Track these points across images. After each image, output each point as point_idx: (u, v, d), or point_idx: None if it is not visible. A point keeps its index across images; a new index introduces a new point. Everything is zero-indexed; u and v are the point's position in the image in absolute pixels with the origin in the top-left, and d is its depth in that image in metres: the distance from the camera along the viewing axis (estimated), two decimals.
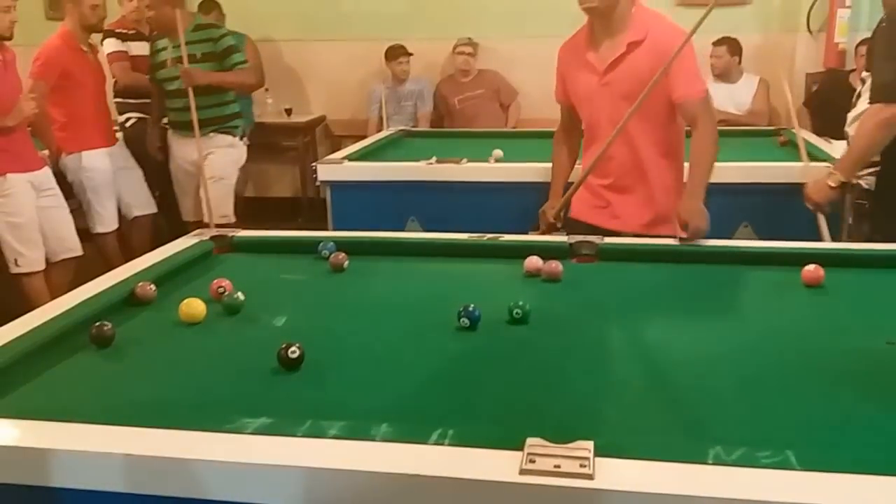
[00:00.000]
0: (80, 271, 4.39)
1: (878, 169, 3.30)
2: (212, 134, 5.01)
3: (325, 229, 3.94)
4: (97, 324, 1.94)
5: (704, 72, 5.99)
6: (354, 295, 2.29)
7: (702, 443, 1.38)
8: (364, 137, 6.88)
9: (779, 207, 3.65)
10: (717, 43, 6.12)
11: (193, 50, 4.81)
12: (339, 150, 7.49)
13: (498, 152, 4.25)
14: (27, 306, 4.08)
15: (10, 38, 4.24)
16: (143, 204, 5.45)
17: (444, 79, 7.02)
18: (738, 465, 1.31)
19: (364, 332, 2.05)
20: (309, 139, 7.40)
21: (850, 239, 3.60)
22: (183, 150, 5.13)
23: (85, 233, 4.99)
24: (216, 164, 5.03)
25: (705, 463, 1.32)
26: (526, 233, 3.04)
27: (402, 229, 3.84)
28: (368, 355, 1.90)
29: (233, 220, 5.02)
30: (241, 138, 5.32)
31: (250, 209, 6.69)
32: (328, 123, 7.47)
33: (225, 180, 5.12)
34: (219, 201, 4.93)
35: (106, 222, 5.18)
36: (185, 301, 2.08)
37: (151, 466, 1.40)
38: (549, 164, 3.35)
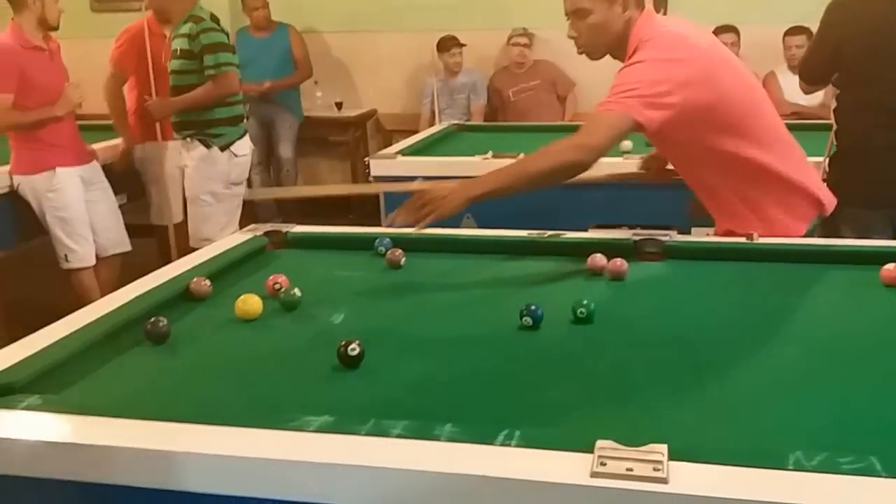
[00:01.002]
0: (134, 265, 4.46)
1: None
2: (188, 139, 4.62)
3: (378, 225, 3.94)
4: (152, 319, 1.96)
5: (779, 62, 6.01)
6: (412, 292, 2.30)
7: (780, 448, 1.36)
8: (416, 132, 6.92)
9: None
10: (791, 32, 5.98)
11: (177, 44, 4.52)
12: (390, 144, 7.54)
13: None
14: (77, 302, 4.17)
15: (56, 29, 4.31)
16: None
17: (499, 71, 7.02)
18: (820, 471, 1.29)
19: (423, 329, 2.06)
20: (360, 133, 7.42)
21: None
22: (179, 156, 4.88)
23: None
24: (189, 179, 4.68)
25: (784, 468, 1.31)
26: (585, 230, 3.01)
27: (457, 226, 3.83)
28: (428, 353, 1.91)
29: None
30: (226, 148, 4.59)
31: (301, 205, 6.73)
32: (379, 117, 7.49)
33: (201, 199, 4.63)
34: (196, 224, 4.68)
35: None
36: (242, 297, 2.10)
37: (213, 465, 1.41)
38: (614, 160, 3.32)
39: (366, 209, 7.29)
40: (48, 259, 4.45)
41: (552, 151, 2.44)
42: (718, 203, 2.76)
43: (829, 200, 2.71)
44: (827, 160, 3.54)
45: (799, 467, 1.30)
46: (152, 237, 5.32)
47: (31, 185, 4.31)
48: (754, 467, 1.30)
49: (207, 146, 4.56)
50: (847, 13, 3.46)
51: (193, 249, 4.62)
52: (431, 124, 6.70)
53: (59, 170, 4.29)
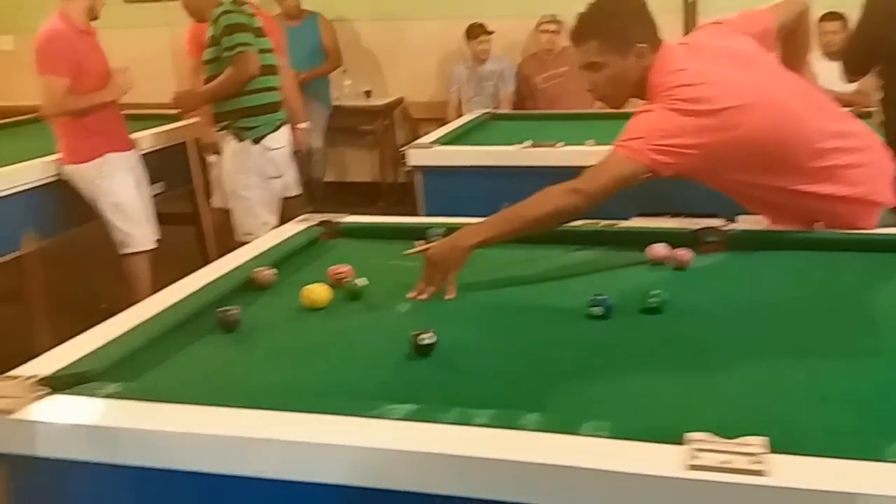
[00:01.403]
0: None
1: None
2: (223, 133, 4.54)
3: (408, 214, 3.92)
4: (223, 308, 1.97)
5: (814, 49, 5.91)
6: (471, 282, 2.29)
7: (881, 439, 1.35)
8: (444, 120, 6.91)
9: None
10: (826, 18, 5.86)
11: (207, 33, 4.42)
12: (418, 133, 7.57)
13: None
14: (127, 290, 4.22)
15: (97, 18, 4.31)
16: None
17: (527, 58, 6.99)
18: None
19: (490, 319, 2.06)
20: (388, 122, 7.42)
21: None
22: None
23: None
24: (226, 173, 4.61)
25: (887, 461, 1.29)
26: (627, 219, 2.99)
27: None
28: (499, 343, 1.91)
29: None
30: (258, 141, 4.48)
31: (330, 193, 6.75)
32: (406, 106, 7.49)
33: (239, 194, 4.55)
34: (238, 218, 4.60)
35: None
36: (308, 287, 2.11)
37: (298, 452, 1.42)
38: None
39: (394, 197, 7.33)
40: (94, 247, 4.50)
41: (548, 196, 2.38)
42: (771, 213, 2.71)
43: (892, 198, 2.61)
44: None
45: None
46: (187, 225, 5.34)
47: (81, 175, 4.30)
48: (857, 459, 1.29)
49: (240, 139, 4.47)
50: (887, 7, 3.44)
51: (235, 242, 4.69)
52: (459, 113, 6.70)
53: (108, 156, 4.30)
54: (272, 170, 4.58)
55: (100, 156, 4.28)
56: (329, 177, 7.30)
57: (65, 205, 4.37)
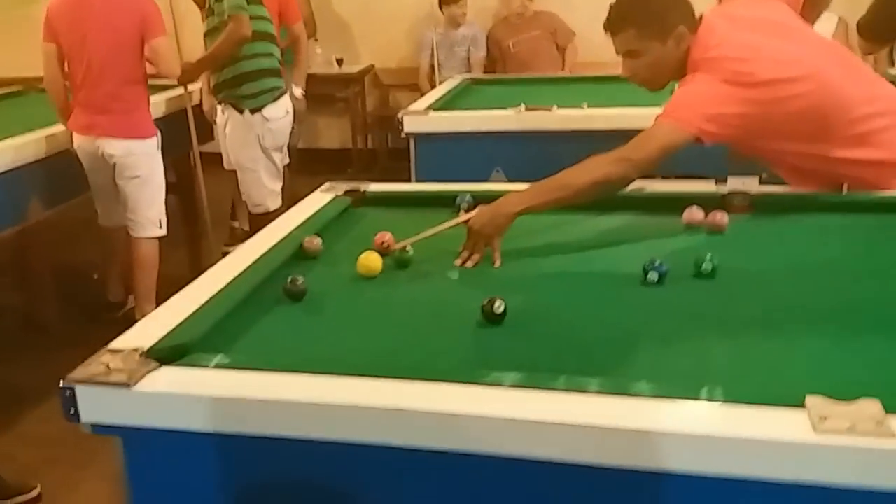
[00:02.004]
0: None
1: None
2: (223, 105, 4.59)
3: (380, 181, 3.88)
4: (291, 278, 1.96)
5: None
6: (511, 248, 2.25)
7: None
8: (415, 86, 6.88)
9: None
10: None
11: (207, 3, 4.50)
12: (388, 100, 7.54)
13: None
14: (144, 270, 4.23)
15: None
16: None
17: (498, 22, 6.97)
18: None
19: (542, 286, 2.05)
20: (359, 89, 7.36)
21: None
22: (218, 119, 4.80)
23: None
24: (230, 147, 4.65)
25: None
26: None
27: (486, 180, 3.80)
28: (562, 310, 1.90)
29: (270, 209, 4.60)
30: (257, 111, 4.49)
31: (301, 160, 6.68)
32: (377, 72, 7.42)
33: (244, 166, 4.61)
34: (246, 190, 4.70)
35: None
36: (364, 254, 2.10)
37: (425, 421, 1.41)
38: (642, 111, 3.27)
39: (363, 163, 7.29)
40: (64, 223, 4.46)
41: (594, 165, 2.34)
42: (799, 177, 2.69)
43: None
44: None
45: None
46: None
47: (144, 150, 4.19)
48: None
49: (240, 110, 4.48)
50: None
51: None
52: (430, 79, 6.67)
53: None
54: (272, 141, 4.57)
55: (157, 133, 4.23)
56: (300, 144, 7.22)
57: (61, 179, 4.27)
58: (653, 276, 1.99)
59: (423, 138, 4.11)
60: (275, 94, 4.54)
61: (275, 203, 4.66)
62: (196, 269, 2.01)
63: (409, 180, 3.89)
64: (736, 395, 1.38)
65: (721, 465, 1.31)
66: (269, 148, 4.58)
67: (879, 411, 1.31)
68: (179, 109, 4.94)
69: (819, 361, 1.61)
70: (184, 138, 4.89)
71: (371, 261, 2.08)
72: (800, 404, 1.34)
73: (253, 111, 4.48)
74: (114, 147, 4.10)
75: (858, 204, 2.50)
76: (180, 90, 4.83)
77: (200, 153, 4.97)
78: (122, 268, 4.51)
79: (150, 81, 4.33)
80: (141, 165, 4.17)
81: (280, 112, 4.59)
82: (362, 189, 2.72)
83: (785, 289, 1.97)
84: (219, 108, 4.70)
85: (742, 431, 1.30)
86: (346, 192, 2.69)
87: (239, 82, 4.45)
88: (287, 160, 4.87)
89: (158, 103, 4.80)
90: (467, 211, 2.50)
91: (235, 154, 4.60)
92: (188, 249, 5.51)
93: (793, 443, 1.28)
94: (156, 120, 4.40)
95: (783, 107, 2.40)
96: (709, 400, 1.38)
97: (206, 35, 4.50)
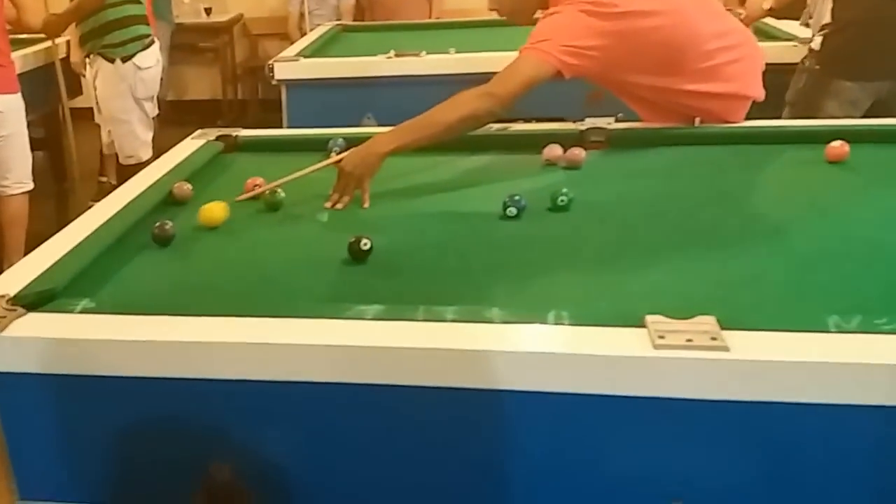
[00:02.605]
0: None
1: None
2: (91, 57, 4.48)
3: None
4: (159, 223, 1.96)
5: None
6: (379, 189, 2.29)
7: (817, 314, 1.45)
8: (285, 35, 6.82)
9: None
10: None
11: None
12: (257, 49, 7.45)
13: None
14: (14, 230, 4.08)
15: None
16: None
17: None
18: (863, 332, 1.38)
19: (408, 224, 2.09)
20: (227, 39, 7.25)
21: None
22: (89, 74, 4.65)
23: None
24: (100, 99, 4.56)
25: (828, 332, 1.39)
26: None
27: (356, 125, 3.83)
28: (426, 246, 1.95)
29: (143, 159, 4.51)
30: (128, 59, 4.43)
31: (171, 113, 6.58)
32: (245, 22, 7.32)
33: (118, 118, 4.53)
34: (119, 142, 4.59)
35: None
36: (205, 206, 2.08)
37: (290, 354, 1.44)
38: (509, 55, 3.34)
39: (234, 114, 7.22)
40: None
41: (461, 102, 2.39)
42: (653, 112, 2.76)
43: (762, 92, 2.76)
44: (820, 36, 3.64)
45: (841, 330, 1.40)
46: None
47: (16, 103, 4.09)
48: (801, 332, 1.39)
49: (110, 60, 4.40)
50: None
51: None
52: (300, 27, 6.62)
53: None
54: (144, 91, 4.51)
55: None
56: (169, 95, 7.11)
57: None
58: (511, 210, 2.06)
59: (295, 86, 4.10)
60: (144, 42, 4.47)
61: (146, 154, 4.59)
62: (64, 225, 1.99)
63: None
64: (581, 317, 1.45)
65: (565, 383, 1.38)
66: (141, 98, 4.52)
67: (714, 326, 1.40)
68: (47, 63, 4.84)
69: (661, 284, 1.69)
70: (52, 93, 4.80)
71: (213, 211, 2.06)
72: (641, 324, 1.42)
73: (124, 60, 4.40)
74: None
75: (708, 136, 2.61)
76: (47, 44, 4.72)
77: (70, 108, 4.87)
78: None
79: (15, 36, 4.22)
80: (14, 121, 4.09)
81: (151, 60, 4.53)
82: (234, 135, 2.72)
83: (633, 219, 2.05)
84: (87, 60, 4.59)
85: (584, 349, 1.38)
86: (218, 138, 2.69)
87: (105, 31, 4.36)
88: (157, 111, 4.79)
89: (25, 56, 4.70)
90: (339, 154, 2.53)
91: (107, 106, 4.53)
92: (56, 205, 5.38)
93: (632, 357, 1.36)
94: (22, 74, 4.30)
95: (641, 39, 2.48)
96: (556, 323, 1.45)
97: None
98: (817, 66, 3.57)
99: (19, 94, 4.09)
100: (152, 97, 4.63)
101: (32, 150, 4.31)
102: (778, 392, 1.34)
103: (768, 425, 1.37)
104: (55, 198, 5.40)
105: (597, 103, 2.92)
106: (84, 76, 4.81)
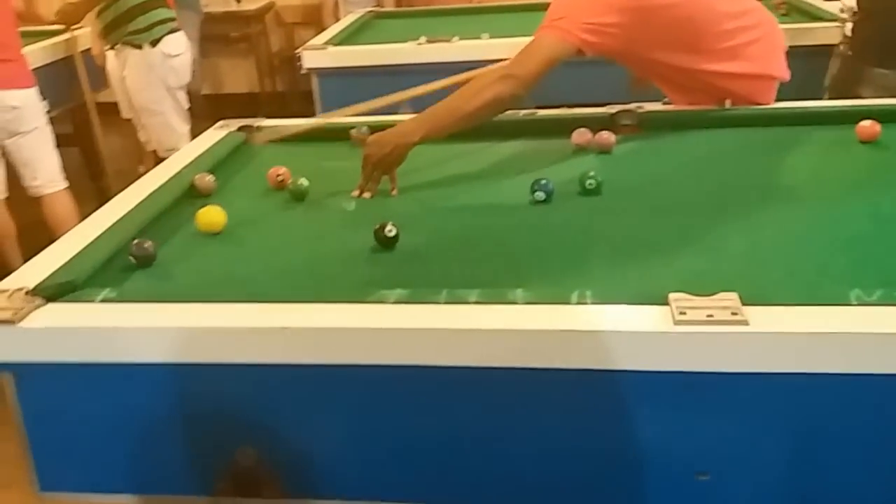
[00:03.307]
0: None
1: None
2: (119, 46, 4.48)
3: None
4: (136, 241, 1.86)
5: None
6: (406, 177, 2.34)
7: (839, 288, 1.49)
8: (319, 23, 6.85)
9: None
10: None
11: None
12: (293, 39, 7.50)
13: None
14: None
15: None
16: None
17: None
18: (884, 304, 1.43)
19: (437, 213, 2.12)
20: (260, 28, 7.31)
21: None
22: (111, 65, 4.72)
23: None
24: (132, 91, 4.56)
25: (850, 304, 1.44)
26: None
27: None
28: (454, 233, 1.99)
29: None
30: (156, 43, 4.46)
31: (208, 107, 6.64)
32: (278, 10, 7.37)
33: (152, 109, 4.55)
34: (158, 136, 4.62)
35: None
36: (203, 210, 2.05)
37: (320, 338, 1.50)
38: None
39: (274, 106, 7.27)
40: None
41: (483, 86, 2.41)
42: (683, 94, 2.79)
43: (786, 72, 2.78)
44: (850, 24, 3.64)
45: (862, 302, 1.44)
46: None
47: (35, 98, 4.04)
48: (822, 305, 1.43)
49: (138, 46, 4.42)
50: None
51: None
52: (335, 14, 6.64)
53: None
54: (175, 80, 4.54)
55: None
56: (205, 89, 7.17)
57: None
58: (539, 195, 2.11)
59: (325, 75, 4.15)
60: (170, 26, 4.49)
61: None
62: None
63: None
64: (605, 297, 1.50)
65: (587, 359, 1.43)
66: (173, 87, 4.55)
67: (736, 302, 1.44)
68: (67, 56, 4.85)
69: (689, 264, 1.74)
70: (75, 87, 4.83)
71: (212, 215, 2.03)
72: (664, 301, 1.46)
73: (153, 44, 4.41)
74: (14, 98, 3.92)
75: (738, 118, 2.63)
76: (65, 35, 4.75)
77: (98, 103, 4.92)
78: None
79: (36, 28, 4.26)
80: (32, 117, 4.01)
81: (180, 47, 4.56)
82: (256, 125, 2.77)
83: (663, 201, 2.09)
84: (110, 54, 4.63)
85: (607, 326, 1.42)
86: (240, 129, 2.73)
87: (128, 18, 4.37)
88: (188, 104, 4.83)
89: (44, 49, 4.70)
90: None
91: (138, 97, 4.53)
92: (96, 204, 5.42)
93: (653, 332, 1.41)
94: (41, 68, 4.32)
95: (658, 16, 2.50)
96: (578, 303, 1.49)
97: None
98: (850, 53, 3.57)
99: (36, 89, 4.01)
100: (185, 86, 4.66)
101: (60, 146, 4.29)
102: (798, 363, 1.39)
103: (790, 397, 1.42)
104: (95, 199, 5.45)
105: (643, 88, 2.94)
106: (104, 68, 4.85)
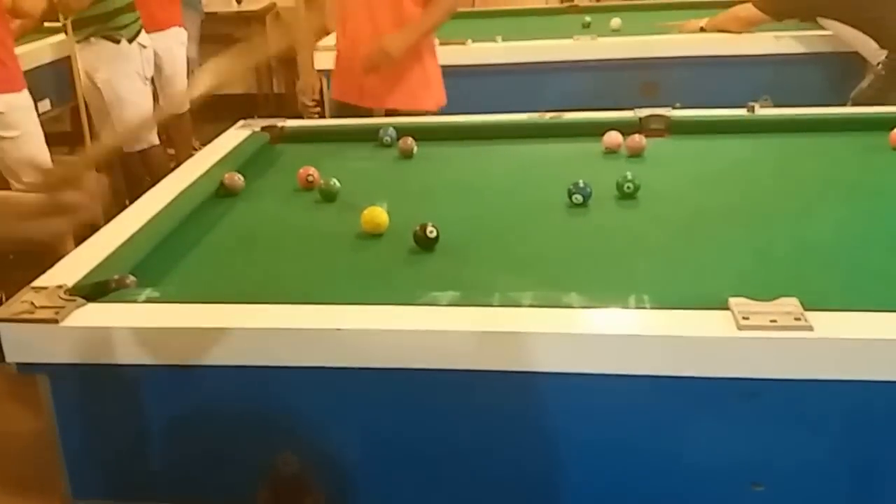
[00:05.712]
0: None
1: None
2: (93, 39, 4.45)
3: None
4: (117, 277, 1.69)
5: None
6: (437, 179, 2.35)
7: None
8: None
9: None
10: None
11: None
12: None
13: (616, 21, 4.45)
14: None
15: None
16: None
17: None
18: None
19: (473, 214, 2.12)
20: (261, 29, 7.29)
21: None
22: (82, 61, 4.65)
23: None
24: (104, 82, 4.50)
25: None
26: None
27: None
28: (495, 235, 1.99)
29: (154, 143, 4.68)
30: (133, 39, 4.51)
31: (205, 108, 6.61)
32: (279, 10, 7.36)
33: (129, 100, 4.48)
34: (131, 126, 4.51)
35: None
36: (368, 210, 2.03)
37: (367, 340, 1.49)
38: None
39: (271, 108, 7.24)
40: None
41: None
42: None
43: None
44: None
45: None
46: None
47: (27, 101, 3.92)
48: (884, 311, 1.44)
49: (115, 41, 4.42)
50: None
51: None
52: None
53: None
54: (149, 70, 4.65)
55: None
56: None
57: None
58: (577, 198, 2.11)
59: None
60: (141, 25, 4.59)
61: (156, 138, 4.70)
62: None
63: None
64: (663, 301, 1.50)
65: (650, 365, 1.43)
66: (147, 77, 4.66)
67: (797, 307, 1.44)
68: (65, 56, 4.85)
69: (737, 267, 1.74)
70: (73, 87, 4.86)
71: (377, 215, 2.01)
72: (724, 306, 1.46)
73: (130, 40, 4.47)
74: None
75: (768, 123, 2.66)
76: (61, 36, 4.76)
77: None
78: None
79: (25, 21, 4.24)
80: (19, 121, 3.80)
81: (147, 41, 4.66)
82: (280, 125, 2.77)
83: (702, 205, 2.10)
84: (78, 46, 4.58)
85: (670, 331, 1.42)
86: (264, 129, 2.74)
87: (111, 17, 4.40)
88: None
89: (41, 49, 4.72)
90: (390, 145, 2.59)
91: (114, 89, 4.48)
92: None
93: (718, 338, 1.41)
94: (39, 67, 4.37)
95: None
96: (637, 307, 1.49)
97: None
98: (883, 73, 3.60)
99: (25, 92, 3.82)
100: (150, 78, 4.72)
101: (60, 146, 4.28)
102: (863, 370, 1.39)
103: (853, 405, 1.42)
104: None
105: (652, 94, 2.96)
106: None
